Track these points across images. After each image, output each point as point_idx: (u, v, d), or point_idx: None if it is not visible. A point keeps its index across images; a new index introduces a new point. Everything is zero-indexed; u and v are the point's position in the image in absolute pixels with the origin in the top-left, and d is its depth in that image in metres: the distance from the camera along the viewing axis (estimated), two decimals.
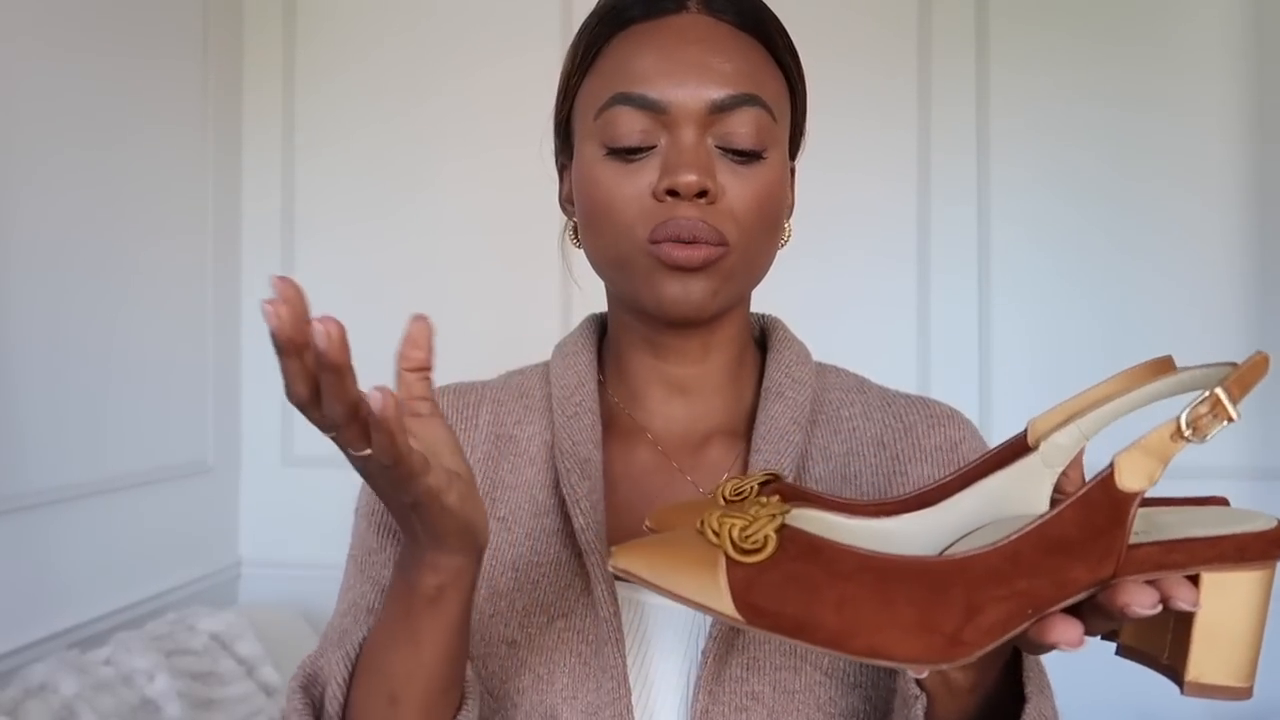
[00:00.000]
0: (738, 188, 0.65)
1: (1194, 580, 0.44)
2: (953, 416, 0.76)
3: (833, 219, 2.04)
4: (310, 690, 0.62)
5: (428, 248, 2.19)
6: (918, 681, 0.57)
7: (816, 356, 0.80)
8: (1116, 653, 0.51)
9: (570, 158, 0.72)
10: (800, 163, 0.78)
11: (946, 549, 0.50)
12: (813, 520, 0.50)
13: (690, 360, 0.73)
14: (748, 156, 0.66)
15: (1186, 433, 0.42)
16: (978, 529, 0.50)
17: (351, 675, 0.61)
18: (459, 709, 0.60)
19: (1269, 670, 2.01)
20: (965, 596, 0.43)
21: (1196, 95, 2.00)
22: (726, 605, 0.44)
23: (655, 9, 0.67)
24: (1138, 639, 0.48)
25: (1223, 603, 0.43)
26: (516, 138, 2.10)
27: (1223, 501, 0.49)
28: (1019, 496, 0.49)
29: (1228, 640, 0.44)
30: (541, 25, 2.15)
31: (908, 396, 0.78)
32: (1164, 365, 0.47)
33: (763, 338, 0.79)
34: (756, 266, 0.69)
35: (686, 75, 0.65)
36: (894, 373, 0.86)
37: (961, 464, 0.58)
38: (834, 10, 2.07)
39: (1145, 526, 0.45)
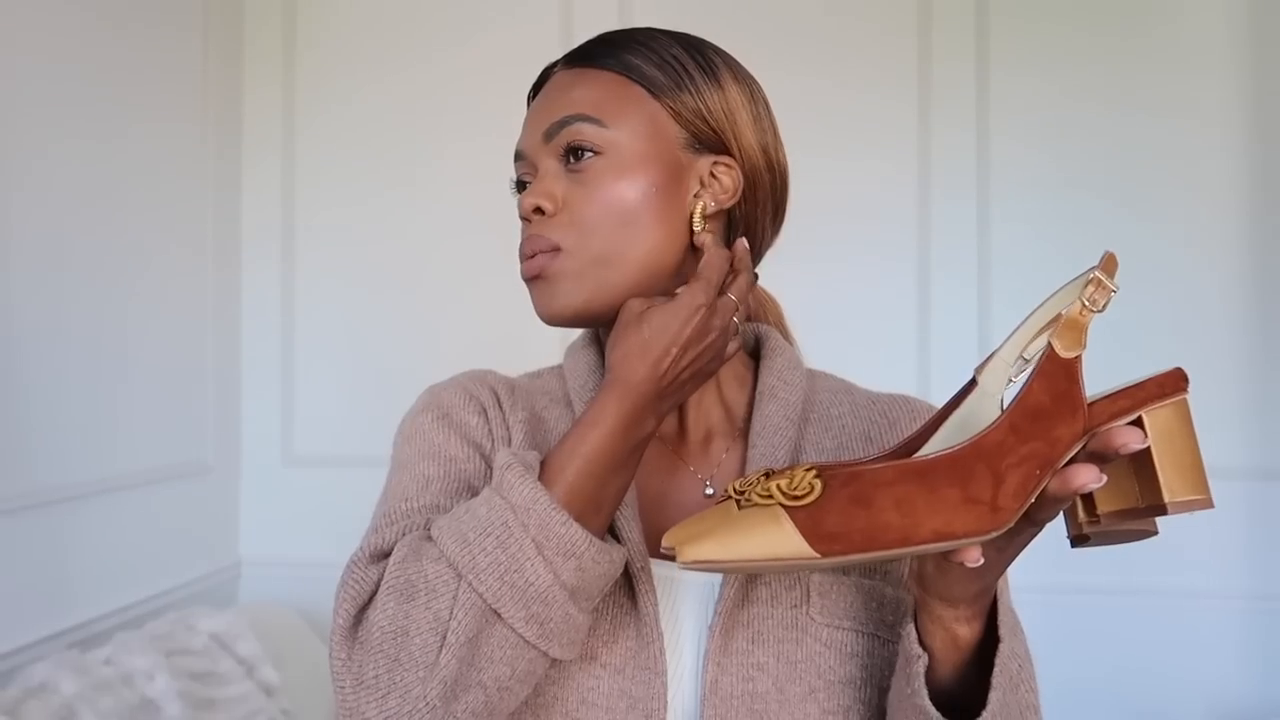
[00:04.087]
0: (578, 196, 0.74)
1: (1137, 426, 0.57)
2: (932, 410, 0.81)
3: (831, 219, 2.04)
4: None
5: (428, 247, 2.20)
6: (921, 641, 0.64)
7: (816, 357, 0.86)
8: (1087, 543, 0.61)
9: None
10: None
11: None
12: None
13: None
14: (577, 158, 0.74)
15: (1090, 306, 0.57)
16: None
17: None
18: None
19: (1269, 671, 1.98)
20: (988, 470, 0.54)
21: (1196, 95, 2.00)
22: (803, 549, 0.53)
23: (543, 78, 0.82)
24: (1114, 501, 0.59)
25: (1164, 432, 0.56)
26: (517, 137, 2.11)
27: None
28: (976, 419, 0.61)
29: (1178, 460, 0.57)
30: (541, 22, 2.15)
31: (890, 396, 0.85)
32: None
33: (757, 347, 0.86)
34: (615, 259, 0.73)
35: (531, 123, 0.78)
36: (893, 372, 0.87)
37: None
38: (833, 12, 2.07)
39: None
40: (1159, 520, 0.59)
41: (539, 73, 0.83)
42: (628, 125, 0.75)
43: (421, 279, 2.20)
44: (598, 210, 0.73)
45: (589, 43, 0.79)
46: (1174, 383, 0.57)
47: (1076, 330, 0.57)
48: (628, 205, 0.73)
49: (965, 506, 0.53)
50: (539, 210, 0.74)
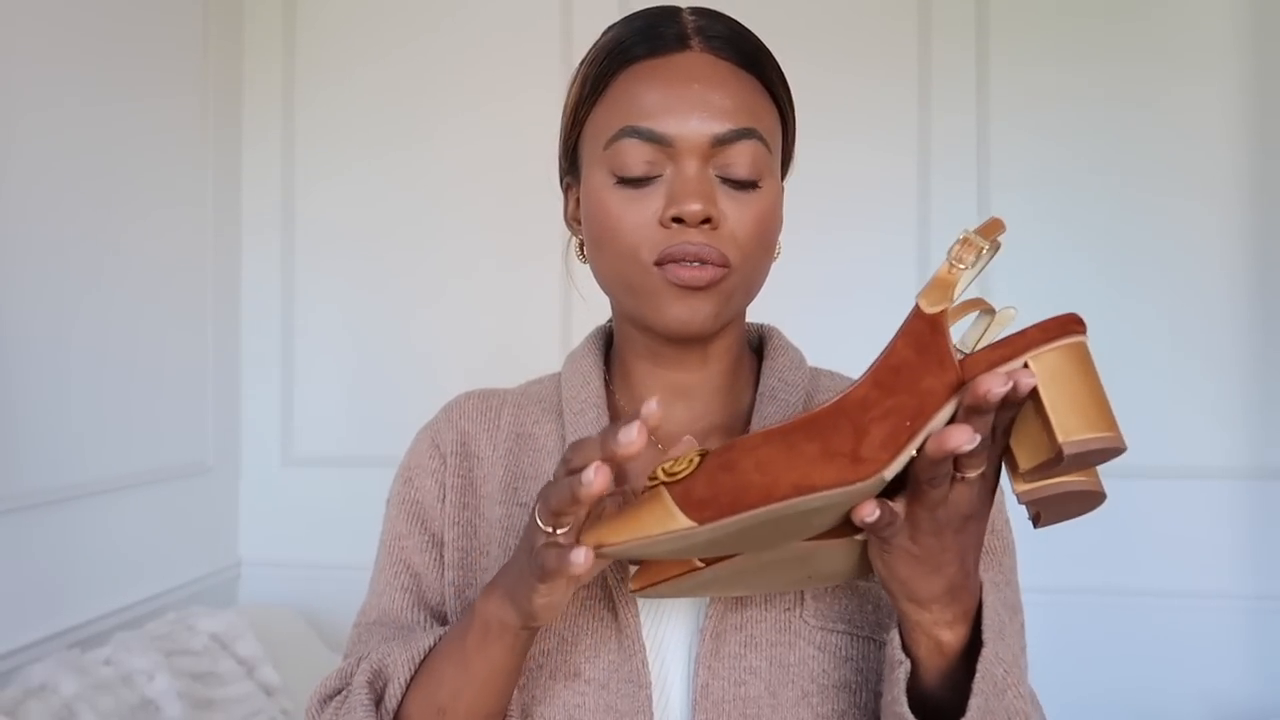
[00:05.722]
0: (737, 213, 0.71)
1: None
2: None
3: (831, 204, 2.04)
4: (374, 685, 0.70)
5: (429, 245, 2.19)
6: (904, 648, 0.63)
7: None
8: (1036, 524, 0.60)
9: (576, 179, 0.78)
10: (804, 154, 0.82)
11: None
12: None
13: (689, 368, 0.79)
14: (746, 185, 0.71)
15: (955, 263, 0.58)
16: None
17: (413, 678, 0.69)
18: None
19: (1270, 672, 1.98)
20: (850, 425, 0.56)
21: (1198, 85, 1.99)
22: (681, 520, 0.55)
23: (660, 48, 0.72)
24: (1030, 456, 0.56)
25: (1052, 373, 0.54)
26: (519, 134, 2.12)
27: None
28: None
29: (1073, 400, 0.54)
30: (542, 13, 2.15)
31: None
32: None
33: (760, 345, 0.85)
34: (753, 285, 0.76)
35: (690, 111, 0.70)
36: None
37: None
38: (834, 3, 2.07)
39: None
40: (1109, 488, 0.57)
41: (646, 16, 0.74)
42: (776, 154, 0.75)
43: (422, 279, 2.20)
44: (754, 239, 0.72)
45: (729, 30, 0.74)
46: (1060, 326, 0.55)
47: (944, 287, 0.58)
48: (770, 236, 0.74)
49: (824, 460, 0.55)
50: (707, 220, 0.69)
